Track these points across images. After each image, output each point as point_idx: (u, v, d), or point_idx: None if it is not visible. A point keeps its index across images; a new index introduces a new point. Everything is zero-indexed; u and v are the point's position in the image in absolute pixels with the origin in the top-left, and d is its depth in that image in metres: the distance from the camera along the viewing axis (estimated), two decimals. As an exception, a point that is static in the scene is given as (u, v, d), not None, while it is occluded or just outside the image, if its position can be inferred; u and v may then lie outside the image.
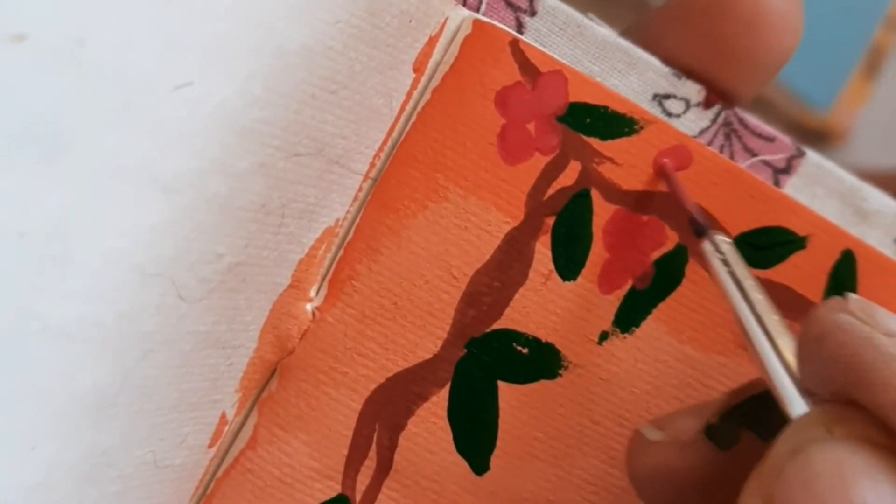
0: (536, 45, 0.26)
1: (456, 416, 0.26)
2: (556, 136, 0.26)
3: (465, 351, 0.26)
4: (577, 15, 0.26)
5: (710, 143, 0.26)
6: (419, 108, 0.26)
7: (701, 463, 0.23)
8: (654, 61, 0.26)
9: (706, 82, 0.26)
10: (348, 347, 0.26)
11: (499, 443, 0.26)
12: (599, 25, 0.26)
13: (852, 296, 0.19)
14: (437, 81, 0.26)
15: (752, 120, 0.26)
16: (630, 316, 0.26)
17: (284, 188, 0.23)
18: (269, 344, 0.26)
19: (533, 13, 0.26)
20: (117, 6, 0.18)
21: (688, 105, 0.26)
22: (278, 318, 0.26)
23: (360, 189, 0.26)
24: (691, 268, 0.26)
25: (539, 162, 0.26)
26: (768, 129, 0.26)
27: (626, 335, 0.26)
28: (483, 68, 0.25)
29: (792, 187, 0.26)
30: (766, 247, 0.25)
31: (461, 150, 0.26)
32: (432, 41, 0.26)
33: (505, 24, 0.26)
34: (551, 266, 0.26)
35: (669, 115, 0.26)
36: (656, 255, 0.26)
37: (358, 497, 0.27)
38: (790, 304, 0.24)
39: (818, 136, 0.70)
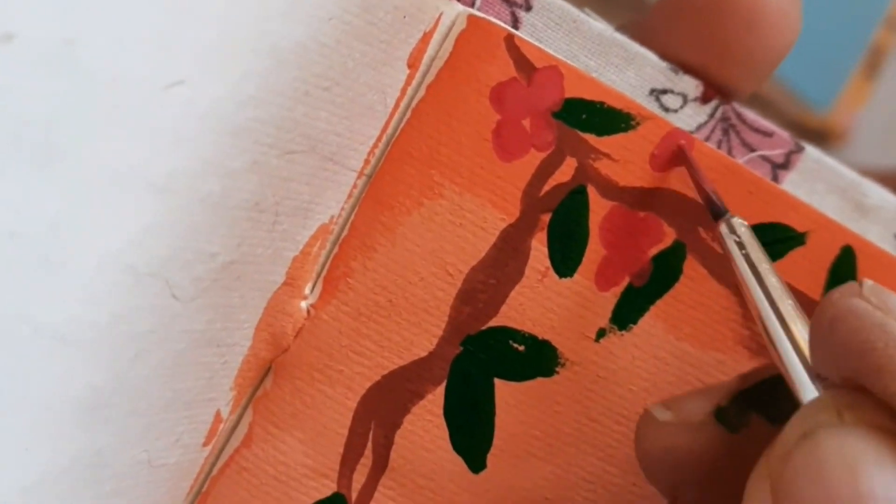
0: (532, 40, 0.25)
1: (452, 413, 0.26)
2: (552, 133, 0.25)
3: (461, 348, 0.26)
4: (573, 10, 0.26)
5: (707, 139, 0.26)
6: (414, 105, 0.26)
7: (709, 444, 0.23)
8: (652, 56, 0.26)
9: (703, 78, 0.26)
10: (343, 345, 0.26)
11: (495, 441, 0.26)
12: (595, 20, 0.26)
13: (867, 281, 0.19)
14: (431, 77, 0.26)
15: (750, 115, 0.26)
16: (627, 313, 0.26)
17: (278, 186, 0.23)
18: (264, 342, 0.26)
19: (528, 8, 0.26)
20: (108, 6, 0.18)
21: (685, 100, 0.26)
22: (273, 315, 0.26)
23: (354, 186, 0.26)
24: (689, 264, 0.26)
25: (535, 158, 0.25)
26: (766, 123, 0.26)
27: (623, 332, 0.26)
28: (478, 64, 0.25)
29: (791, 183, 0.26)
30: (766, 243, 0.25)
31: (456, 146, 0.25)
32: (426, 37, 0.26)
33: (500, 19, 0.26)
34: (547, 263, 0.26)
35: (667, 110, 0.26)
36: (654, 251, 0.26)
37: (354, 495, 0.27)
38: None
39: (818, 136, 0.70)
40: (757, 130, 0.26)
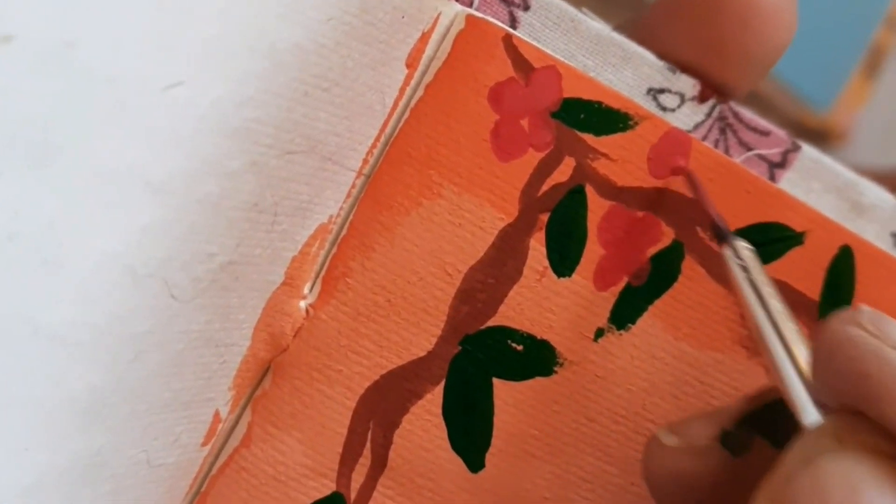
0: (530, 40, 0.25)
1: (451, 413, 0.26)
2: (550, 132, 0.25)
3: (460, 348, 0.26)
4: (570, 9, 0.26)
5: (704, 138, 0.26)
6: (412, 105, 0.26)
7: (714, 468, 0.23)
8: (649, 56, 0.26)
9: (700, 77, 0.26)
10: (342, 345, 0.26)
11: (494, 440, 0.26)
12: (593, 20, 0.26)
13: (865, 308, 0.19)
14: (429, 77, 0.26)
15: (747, 114, 0.26)
16: (626, 313, 0.26)
17: (277, 186, 0.23)
18: (263, 342, 0.26)
19: (526, 8, 0.26)
20: (107, 7, 0.18)
21: (682, 99, 0.26)
22: (272, 315, 0.26)
23: (353, 186, 0.26)
24: (687, 264, 0.26)
25: (533, 158, 0.25)
26: (763, 122, 0.26)
27: (621, 332, 0.26)
28: (476, 64, 0.25)
29: (787, 182, 0.26)
30: (763, 243, 0.25)
31: (455, 146, 0.25)
32: (425, 37, 0.26)
33: (498, 19, 0.26)
34: (546, 263, 0.26)
35: (664, 109, 0.26)
36: (652, 251, 0.26)
37: (353, 495, 0.27)
38: (788, 301, 0.24)
39: (818, 136, 0.70)
40: (754, 129, 0.26)
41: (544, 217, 0.26)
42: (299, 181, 0.24)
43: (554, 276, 0.26)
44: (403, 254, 0.26)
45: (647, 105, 0.26)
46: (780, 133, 0.26)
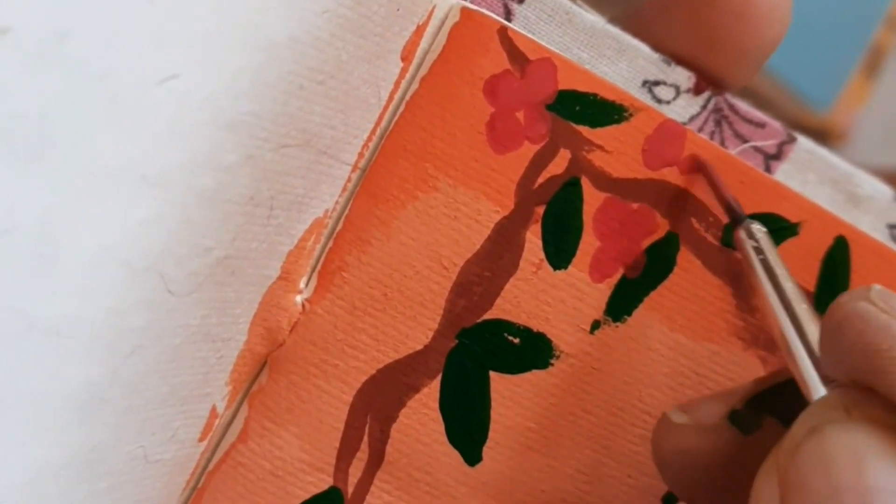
0: (525, 32, 0.25)
1: (448, 407, 0.26)
2: (546, 125, 0.25)
3: (457, 341, 0.26)
4: (565, 2, 0.26)
5: (700, 130, 0.26)
6: (407, 98, 0.26)
7: (723, 446, 0.23)
8: (644, 48, 0.26)
9: (695, 70, 0.26)
10: (339, 339, 0.26)
11: (491, 433, 0.26)
12: (588, 12, 0.26)
13: (875, 286, 0.19)
14: (425, 70, 0.26)
15: (743, 106, 0.26)
16: (622, 304, 0.26)
17: (273, 180, 0.23)
18: (259, 336, 0.26)
19: (521, 0, 0.26)
20: (101, 0, 0.18)
21: (678, 91, 0.26)
22: (268, 310, 0.26)
23: (348, 179, 0.26)
24: (683, 255, 0.26)
25: (528, 150, 0.25)
26: (759, 114, 0.26)
27: (617, 324, 0.26)
28: (471, 56, 0.25)
29: (783, 173, 0.26)
30: None
31: (450, 139, 0.25)
32: (420, 29, 0.26)
33: (493, 12, 0.26)
34: (542, 255, 0.26)
35: (659, 101, 0.26)
36: (647, 242, 0.26)
37: (350, 489, 0.27)
38: None
39: (818, 136, 0.71)
40: (749, 121, 0.26)
41: (540, 209, 0.26)
42: (295, 175, 0.24)
43: (550, 269, 0.26)
44: (399, 247, 0.26)
45: (643, 97, 0.26)
46: (775, 125, 0.26)
